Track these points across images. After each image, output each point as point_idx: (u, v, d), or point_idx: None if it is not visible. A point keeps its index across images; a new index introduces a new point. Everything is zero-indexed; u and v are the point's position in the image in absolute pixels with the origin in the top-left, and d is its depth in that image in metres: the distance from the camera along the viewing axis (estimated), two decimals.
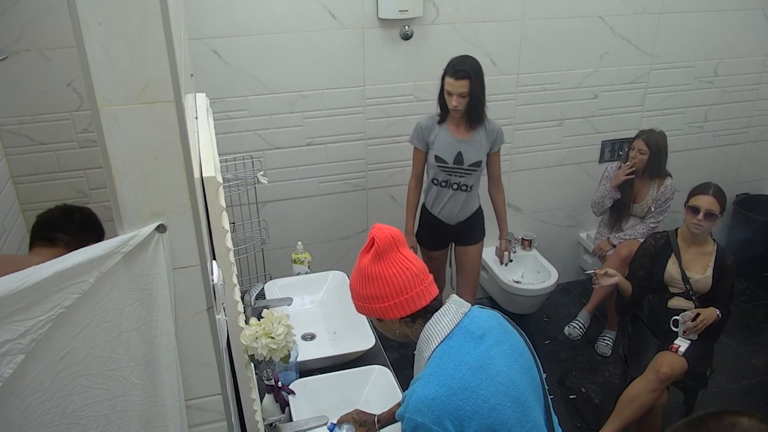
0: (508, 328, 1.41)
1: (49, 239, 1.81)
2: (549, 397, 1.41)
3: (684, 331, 2.53)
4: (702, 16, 3.41)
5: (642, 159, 3.15)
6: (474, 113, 2.63)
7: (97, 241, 0.94)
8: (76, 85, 2.35)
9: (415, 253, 2.84)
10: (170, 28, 0.87)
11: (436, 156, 2.71)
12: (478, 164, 2.71)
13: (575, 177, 3.60)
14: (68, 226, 1.83)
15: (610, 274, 2.64)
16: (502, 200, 2.93)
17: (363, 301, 1.39)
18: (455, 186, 2.75)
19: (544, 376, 1.40)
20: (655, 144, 3.13)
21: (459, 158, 2.69)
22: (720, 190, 2.59)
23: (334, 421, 1.71)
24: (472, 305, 1.42)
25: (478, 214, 2.88)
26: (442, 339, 1.32)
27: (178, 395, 1.03)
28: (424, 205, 2.91)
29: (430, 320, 1.35)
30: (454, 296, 1.41)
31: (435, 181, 2.79)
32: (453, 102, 2.57)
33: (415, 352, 1.41)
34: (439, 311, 1.36)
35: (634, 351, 2.70)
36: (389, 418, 1.69)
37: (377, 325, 1.45)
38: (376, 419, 1.70)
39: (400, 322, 1.38)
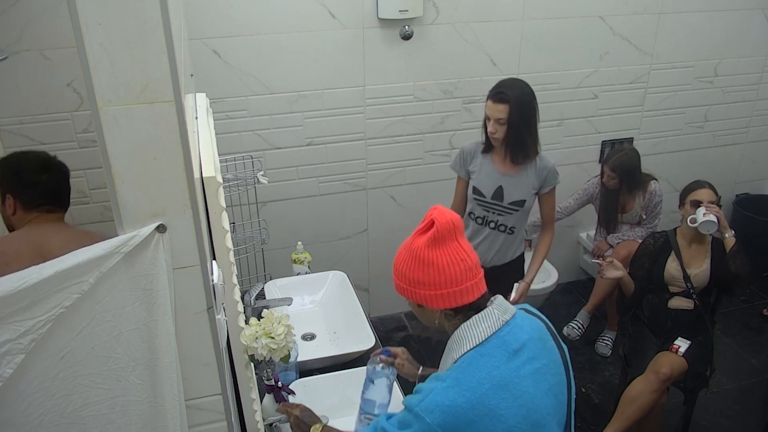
0: (548, 342, 1.33)
1: (60, 203, 1.77)
2: (573, 420, 1.35)
3: (704, 213, 2.49)
4: (702, 16, 3.41)
5: (614, 183, 3.17)
6: (515, 146, 2.31)
7: None
8: (76, 85, 2.35)
9: None
10: (170, 28, 0.87)
11: (474, 187, 2.42)
12: (520, 203, 2.38)
13: (575, 177, 3.59)
14: (67, 182, 1.81)
15: (615, 266, 2.63)
16: (546, 244, 2.52)
17: (409, 284, 1.30)
18: (492, 225, 2.43)
19: (574, 396, 1.34)
20: (621, 168, 3.11)
21: (498, 193, 2.38)
22: (710, 184, 2.62)
23: (387, 348, 1.69)
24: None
25: (520, 261, 2.54)
26: (475, 345, 1.25)
27: (178, 395, 1.03)
28: None
29: (470, 320, 1.28)
30: (500, 298, 1.33)
31: (471, 215, 2.48)
32: (490, 127, 2.30)
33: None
34: (480, 314, 1.28)
35: (634, 351, 2.70)
36: (426, 377, 1.63)
37: (415, 310, 1.37)
38: (419, 371, 1.67)
39: (441, 312, 1.32)
